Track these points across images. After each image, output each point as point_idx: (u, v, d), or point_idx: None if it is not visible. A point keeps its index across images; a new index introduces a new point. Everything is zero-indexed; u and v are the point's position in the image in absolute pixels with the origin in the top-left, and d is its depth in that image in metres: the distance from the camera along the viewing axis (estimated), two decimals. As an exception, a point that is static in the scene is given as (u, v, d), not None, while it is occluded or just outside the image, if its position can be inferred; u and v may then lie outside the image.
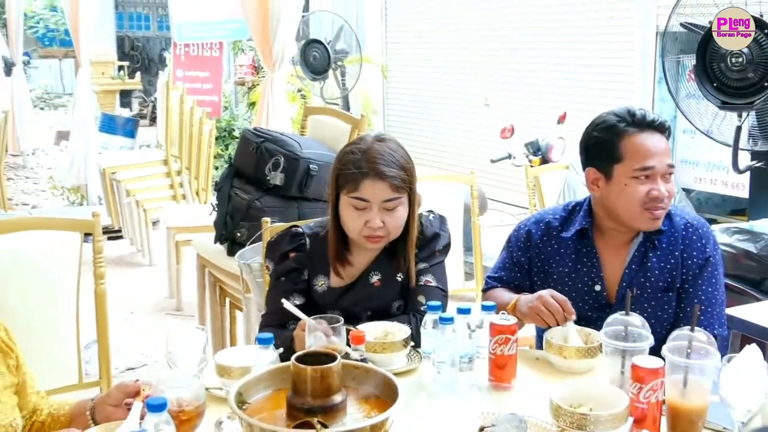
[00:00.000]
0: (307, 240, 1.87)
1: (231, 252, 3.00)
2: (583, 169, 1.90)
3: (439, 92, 7.23)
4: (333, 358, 1.26)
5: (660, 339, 1.51)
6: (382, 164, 1.74)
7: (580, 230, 1.91)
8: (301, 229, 1.89)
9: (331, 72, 5.87)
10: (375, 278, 1.86)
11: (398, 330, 1.71)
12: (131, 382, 1.46)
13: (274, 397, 1.32)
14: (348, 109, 5.88)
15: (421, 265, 1.88)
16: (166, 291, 4.43)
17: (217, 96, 6.85)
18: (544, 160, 4.53)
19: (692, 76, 3.10)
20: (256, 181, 3.02)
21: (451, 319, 1.56)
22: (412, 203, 1.81)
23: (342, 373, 1.27)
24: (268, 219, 2.27)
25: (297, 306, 1.68)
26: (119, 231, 5.45)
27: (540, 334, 1.90)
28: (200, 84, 6.81)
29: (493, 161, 4.97)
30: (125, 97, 11.24)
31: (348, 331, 1.60)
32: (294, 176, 2.96)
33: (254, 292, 2.71)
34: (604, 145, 1.84)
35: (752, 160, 3.20)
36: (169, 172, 5.27)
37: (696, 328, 1.42)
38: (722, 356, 1.37)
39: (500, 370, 1.61)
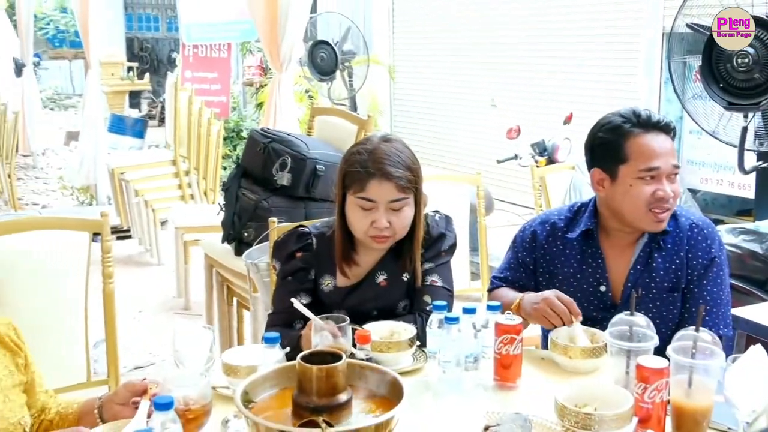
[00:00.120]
0: (314, 240, 1.88)
1: (238, 252, 3.02)
2: (588, 169, 1.90)
3: (446, 93, 7.23)
4: (338, 358, 1.26)
5: (665, 339, 1.50)
6: (389, 165, 1.75)
7: (586, 231, 1.91)
8: (307, 229, 1.90)
9: (338, 73, 5.88)
10: (381, 278, 1.87)
11: (404, 329, 1.72)
12: (139, 380, 1.46)
13: (280, 396, 1.33)
14: (355, 109, 5.90)
15: (427, 265, 1.88)
16: (174, 290, 4.46)
17: (225, 97, 6.88)
18: (551, 161, 4.53)
19: (698, 76, 3.09)
20: (263, 181, 3.04)
21: (456, 319, 1.57)
22: (418, 203, 1.82)
23: (347, 372, 1.27)
24: (275, 219, 2.28)
25: (303, 305, 1.69)
26: (128, 231, 5.48)
27: (545, 333, 1.90)
28: (209, 85, 6.84)
29: (499, 162, 4.97)
30: (134, 97, 11.29)
31: (354, 330, 1.61)
32: (301, 176, 2.97)
33: (261, 291, 2.72)
34: (609, 145, 1.84)
35: (758, 160, 3.19)
36: (178, 173, 5.29)
37: (701, 328, 1.42)
38: (727, 356, 1.37)
39: (505, 369, 1.62)
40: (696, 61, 3.08)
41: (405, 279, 1.88)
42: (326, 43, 5.80)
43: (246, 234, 3.01)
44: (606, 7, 5.64)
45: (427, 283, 1.87)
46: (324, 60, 5.80)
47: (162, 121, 8.50)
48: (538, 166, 3.79)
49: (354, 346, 1.59)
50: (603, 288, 1.89)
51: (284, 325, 1.83)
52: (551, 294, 1.74)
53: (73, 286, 2.04)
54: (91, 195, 6.40)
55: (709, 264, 1.85)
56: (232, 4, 6.37)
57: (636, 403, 1.36)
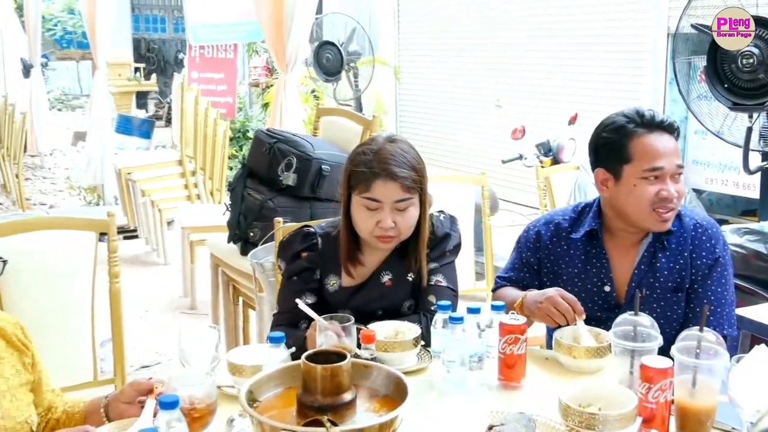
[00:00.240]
0: (319, 240, 1.88)
1: (244, 251, 3.03)
2: (592, 170, 1.90)
3: (451, 93, 7.22)
4: (343, 357, 1.27)
5: (669, 339, 1.50)
6: (394, 165, 1.75)
7: (590, 231, 1.91)
8: (313, 229, 1.91)
9: (343, 73, 5.88)
10: (386, 278, 1.87)
11: (408, 329, 1.72)
12: (144, 379, 1.46)
13: (284, 395, 1.33)
14: (360, 110, 5.90)
15: (432, 265, 1.89)
16: (180, 290, 4.48)
17: (231, 97, 6.90)
18: (555, 161, 4.52)
19: (703, 77, 3.09)
20: (269, 181, 3.05)
21: (461, 319, 1.57)
22: (423, 203, 1.82)
23: (352, 371, 1.28)
24: (280, 219, 2.29)
25: (309, 305, 1.70)
26: (135, 231, 5.50)
27: (550, 333, 1.90)
28: (215, 85, 6.86)
29: (504, 162, 4.97)
30: (141, 98, 11.32)
31: (358, 330, 1.62)
32: (306, 177, 2.98)
33: (267, 291, 2.73)
34: (613, 145, 1.84)
35: (763, 161, 3.18)
36: (184, 173, 5.31)
37: (705, 328, 1.42)
38: (732, 356, 1.37)
39: (509, 369, 1.62)
40: (701, 62, 3.07)
41: (410, 279, 1.88)
42: (332, 43, 5.81)
43: (252, 234, 3.02)
44: (611, 8, 5.63)
45: (432, 282, 1.88)
46: (329, 61, 5.81)
47: (169, 121, 8.52)
48: (542, 167, 3.78)
49: (358, 345, 1.60)
50: (607, 288, 1.89)
51: (289, 324, 1.84)
52: (554, 292, 1.75)
53: (80, 285, 2.06)
54: (98, 195, 6.43)
55: (713, 264, 1.85)
56: (238, 5, 6.39)
57: (640, 403, 1.36)
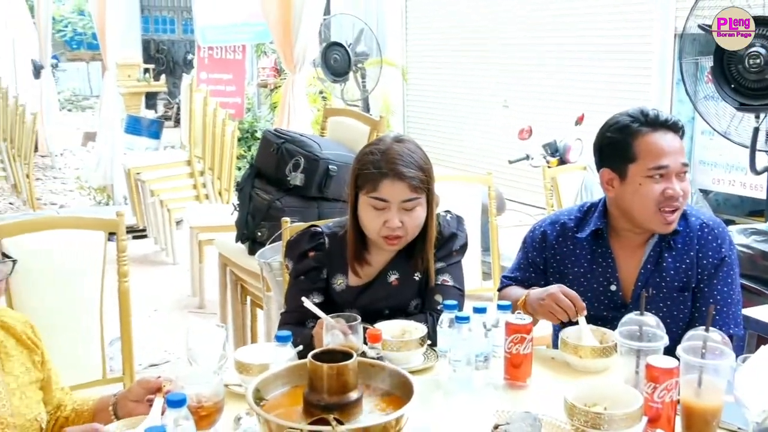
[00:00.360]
0: (326, 239, 1.89)
1: (252, 251, 3.04)
2: (597, 170, 1.90)
3: (458, 94, 7.23)
4: (349, 356, 1.27)
5: (675, 339, 1.50)
6: (401, 165, 1.76)
7: (595, 231, 1.91)
8: (320, 229, 1.92)
9: (351, 74, 5.90)
10: (393, 277, 1.88)
11: (415, 328, 1.73)
12: (153, 378, 1.47)
13: (291, 394, 1.34)
14: (368, 110, 5.91)
15: (439, 265, 1.89)
16: (189, 289, 4.50)
17: (239, 98, 6.93)
18: (562, 161, 4.52)
19: (710, 77, 3.08)
20: (276, 181, 3.06)
21: (467, 318, 1.58)
22: (430, 203, 1.83)
23: (358, 370, 1.28)
24: (287, 219, 2.30)
25: (316, 304, 1.70)
26: (144, 230, 5.53)
27: (556, 333, 1.90)
28: (223, 86, 6.89)
29: (511, 162, 4.97)
30: (151, 99, 11.36)
31: (365, 329, 1.62)
32: (314, 177, 2.99)
33: (274, 290, 2.74)
34: (617, 145, 1.84)
35: (770, 161, 3.18)
36: (193, 173, 5.34)
37: (711, 328, 1.42)
38: (738, 356, 1.37)
39: (515, 368, 1.62)
40: (708, 62, 3.07)
41: (416, 278, 1.89)
42: (339, 44, 5.82)
43: (259, 233, 3.03)
44: (618, 8, 5.62)
45: (439, 282, 1.88)
46: (337, 61, 5.82)
47: (178, 122, 8.55)
48: (549, 167, 3.78)
49: (365, 344, 1.60)
50: (613, 287, 1.89)
51: (297, 323, 1.84)
52: (556, 289, 1.75)
53: (90, 284, 2.07)
54: (107, 195, 6.47)
55: (719, 264, 1.84)
56: (247, 6, 6.41)
57: (645, 402, 1.36)
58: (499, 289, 2.06)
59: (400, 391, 1.32)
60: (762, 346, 1.35)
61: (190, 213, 4.49)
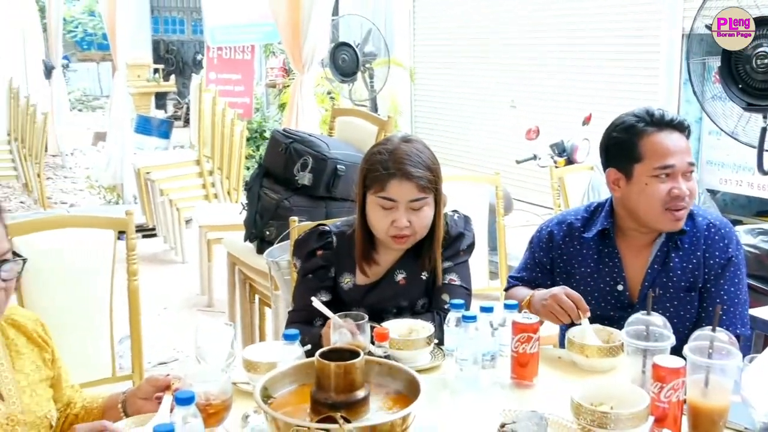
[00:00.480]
0: (334, 238, 1.90)
1: (260, 250, 3.06)
2: (604, 170, 1.91)
3: (466, 94, 7.22)
4: (356, 355, 1.28)
5: (682, 339, 1.50)
6: (409, 164, 1.76)
7: (602, 231, 1.91)
8: (328, 228, 1.92)
9: (359, 74, 5.90)
10: (400, 276, 1.88)
11: (422, 327, 1.73)
12: (161, 376, 1.48)
13: (298, 392, 1.34)
14: (376, 110, 5.91)
15: (446, 264, 1.90)
16: (197, 288, 4.52)
17: (248, 98, 6.95)
18: (569, 161, 4.51)
19: (717, 77, 3.06)
20: (284, 181, 3.07)
21: (474, 318, 1.58)
22: (438, 203, 1.83)
23: (365, 369, 1.29)
24: (295, 218, 2.31)
25: (324, 303, 1.71)
26: (153, 229, 5.56)
27: (563, 332, 1.90)
28: (232, 86, 6.91)
29: (518, 162, 4.96)
30: (160, 99, 11.41)
31: (372, 328, 1.63)
32: (322, 176, 3.00)
33: (282, 289, 2.75)
34: (623, 145, 1.84)
35: (777, 161, 3.16)
36: (202, 172, 5.36)
37: (717, 328, 1.42)
38: (744, 356, 1.37)
39: (522, 368, 1.63)
40: (715, 62, 3.05)
41: (424, 277, 1.89)
42: (348, 45, 5.83)
43: (268, 233, 3.04)
44: (625, 9, 5.60)
45: (446, 281, 1.89)
46: (345, 62, 5.83)
47: (187, 122, 8.58)
48: (556, 167, 3.78)
49: (372, 343, 1.61)
50: (620, 287, 1.89)
51: (304, 322, 1.85)
52: (559, 290, 1.75)
53: (99, 283, 2.08)
54: (117, 194, 6.51)
55: (726, 263, 1.84)
56: (256, 6, 6.43)
57: (652, 402, 1.36)
58: (506, 289, 2.07)
59: (407, 390, 1.33)
60: (769, 346, 1.35)
61: (199, 212, 4.51)
